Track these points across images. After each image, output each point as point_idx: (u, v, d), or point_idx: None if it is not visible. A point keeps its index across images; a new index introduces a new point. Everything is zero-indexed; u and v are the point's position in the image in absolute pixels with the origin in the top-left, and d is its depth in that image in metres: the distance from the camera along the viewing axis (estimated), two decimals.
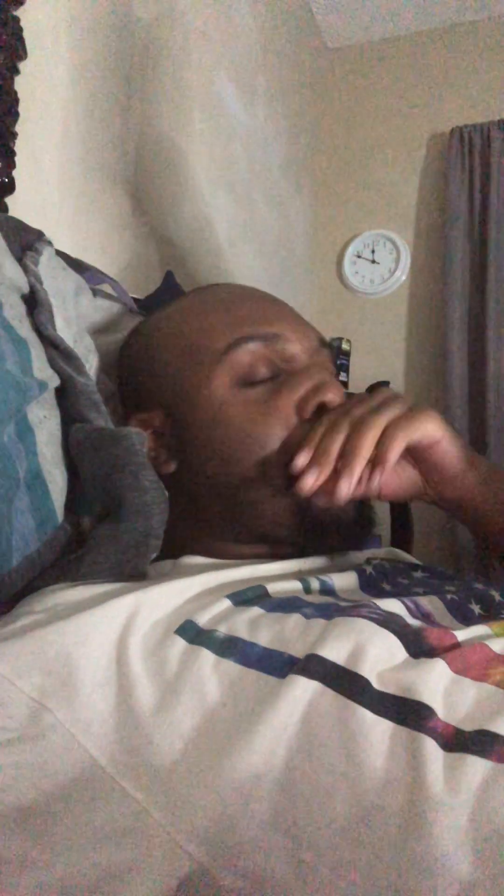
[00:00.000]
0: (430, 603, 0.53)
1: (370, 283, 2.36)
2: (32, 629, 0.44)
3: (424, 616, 0.51)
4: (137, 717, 0.40)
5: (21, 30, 0.89)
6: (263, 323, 0.64)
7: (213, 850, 0.36)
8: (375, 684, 0.40)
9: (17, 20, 0.89)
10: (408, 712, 0.38)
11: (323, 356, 0.67)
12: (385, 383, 1.81)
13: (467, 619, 0.53)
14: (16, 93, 0.89)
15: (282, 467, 0.59)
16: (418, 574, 0.65)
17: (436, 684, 0.40)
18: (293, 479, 0.57)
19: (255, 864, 0.36)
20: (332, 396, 0.61)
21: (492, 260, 2.10)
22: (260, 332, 0.63)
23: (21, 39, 0.89)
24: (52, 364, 0.62)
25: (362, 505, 0.63)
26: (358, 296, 2.38)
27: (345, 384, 1.93)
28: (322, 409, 0.61)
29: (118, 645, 0.44)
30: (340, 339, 1.94)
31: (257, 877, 0.35)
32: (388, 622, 0.45)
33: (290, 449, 0.59)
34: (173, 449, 0.63)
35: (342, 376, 1.93)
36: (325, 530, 0.60)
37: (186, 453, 0.63)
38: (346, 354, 1.95)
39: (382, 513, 1.62)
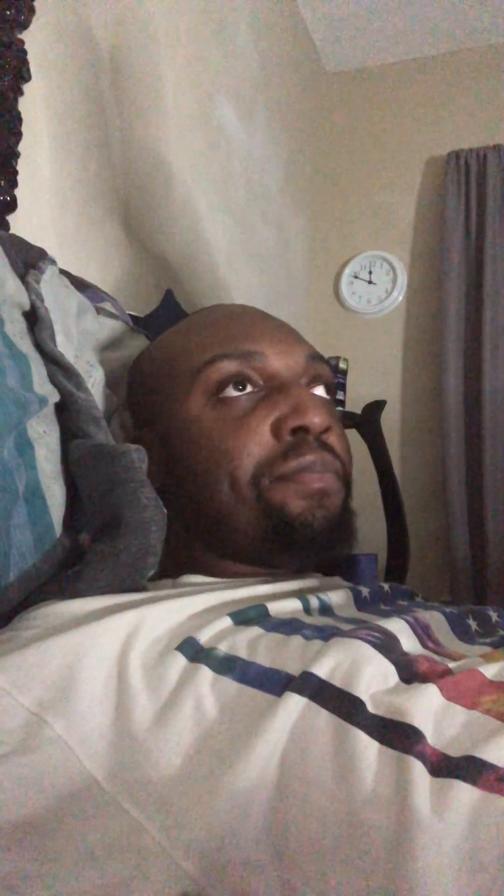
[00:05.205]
0: (430, 617, 0.53)
1: (367, 303, 2.37)
2: (33, 642, 0.44)
3: (424, 628, 0.51)
4: (135, 732, 0.40)
5: (25, 52, 0.90)
6: (242, 340, 0.63)
7: (207, 867, 0.36)
8: (369, 706, 0.40)
9: (21, 43, 0.90)
10: (397, 735, 0.38)
11: (314, 371, 0.65)
12: (382, 403, 1.81)
13: (465, 634, 0.53)
14: (19, 113, 0.90)
15: (253, 483, 0.59)
16: (419, 599, 0.66)
17: (427, 709, 0.40)
18: (262, 492, 0.58)
19: (244, 883, 0.35)
20: (313, 419, 0.59)
21: (487, 282, 2.12)
22: (235, 350, 0.62)
23: (25, 62, 0.91)
24: (52, 379, 0.62)
25: (338, 519, 0.61)
26: (355, 316, 2.40)
27: (342, 403, 1.93)
28: (301, 430, 0.59)
29: (119, 660, 0.43)
30: (338, 358, 1.94)
31: None
32: (385, 647, 0.45)
33: (262, 467, 0.59)
34: (161, 465, 0.64)
35: (339, 395, 1.94)
36: (295, 540, 0.58)
37: (171, 469, 0.63)
38: (343, 373, 1.95)
39: (379, 531, 1.62)
